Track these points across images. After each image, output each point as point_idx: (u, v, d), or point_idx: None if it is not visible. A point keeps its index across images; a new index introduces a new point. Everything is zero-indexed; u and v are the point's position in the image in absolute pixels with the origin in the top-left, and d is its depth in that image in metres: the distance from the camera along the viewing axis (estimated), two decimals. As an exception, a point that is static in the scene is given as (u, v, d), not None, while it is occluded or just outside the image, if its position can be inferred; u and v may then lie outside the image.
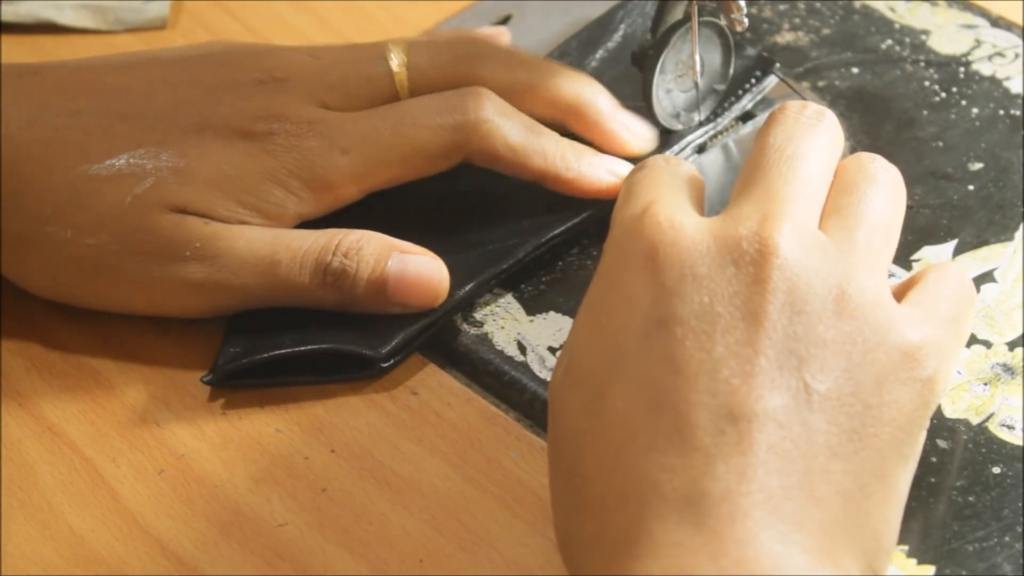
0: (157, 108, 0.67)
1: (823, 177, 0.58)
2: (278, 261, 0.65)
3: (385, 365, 0.65)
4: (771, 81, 0.74)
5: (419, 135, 0.67)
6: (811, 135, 0.59)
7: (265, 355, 0.64)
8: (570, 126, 0.70)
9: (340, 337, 0.65)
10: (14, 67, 0.69)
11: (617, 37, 0.77)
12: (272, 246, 0.65)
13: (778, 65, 0.75)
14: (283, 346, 0.65)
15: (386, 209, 0.69)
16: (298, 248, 0.65)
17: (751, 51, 0.75)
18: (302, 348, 0.65)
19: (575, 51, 0.77)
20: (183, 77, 0.68)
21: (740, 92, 0.74)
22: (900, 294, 0.58)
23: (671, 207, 0.56)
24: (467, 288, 0.67)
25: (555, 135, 0.69)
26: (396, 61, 0.69)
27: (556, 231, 0.68)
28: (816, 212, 0.57)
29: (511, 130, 0.67)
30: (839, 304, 0.54)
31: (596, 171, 0.68)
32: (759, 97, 0.74)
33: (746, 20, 0.68)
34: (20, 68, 0.69)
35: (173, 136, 0.66)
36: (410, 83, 0.69)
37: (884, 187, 0.59)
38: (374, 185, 0.67)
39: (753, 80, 0.74)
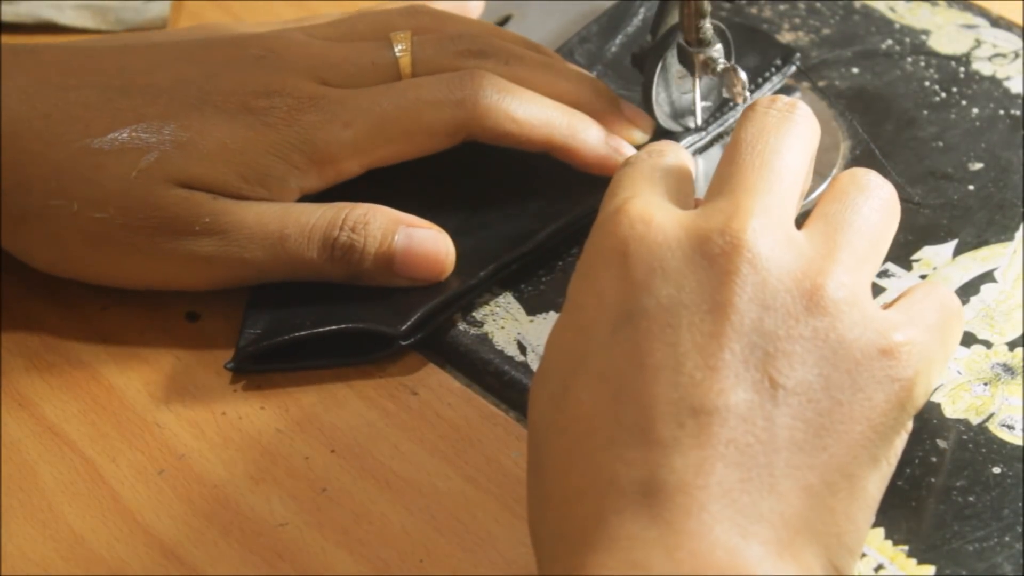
0: (157, 84, 0.67)
1: (797, 170, 0.58)
2: (287, 235, 0.65)
3: (404, 343, 0.65)
4: (790, 70, 0.75)
5: (422, 111, 0.67)
6: (783, 128, 0.58)
7: (286, 337, 0.65)
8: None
9: (360, 316, 0.65)
10: (10, 47, 0.69)
11: (636, 22, 0.77)
12: (281, 220, 0.66)
13: (798, 55, 0.75)
14: (303, 327, 0.65)
15: (403, 192, 0.69)
16: (306, 223, 0.66)
17: (772, 39, 0.76)
18: (322, 329, 0.65)
19: (595, 36, 0.77)
20: (181, 55, 0.69)
21: (760, 80, 0.74)
22: (887, 307, 0.57)
23: (645, 202, 0.56)
24: (487, 270, 0.67)
25: (561, 106, 0.69)
26: (400, 48, 0.69)
27: (574, 215, 0.68)
28: (792, 206, 0.57)
29: (512, 103, 0.68)
30: (811, 299, 0.54)
31: (600, 145, 0.69)
32: (779, 86, 0.74)
33: (748, 94, 0.69)
34: (16, 47, 0.69)
35: (174, 110, 0.66)
36: (413, 72, 0.69)
37: (875, 198, 0.58)
38: (376, 160, 0.68)
39: (773, 68, 0.74)
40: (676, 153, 0.60)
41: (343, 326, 0.65)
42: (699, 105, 0.72)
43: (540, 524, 0.54)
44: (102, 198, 0.65)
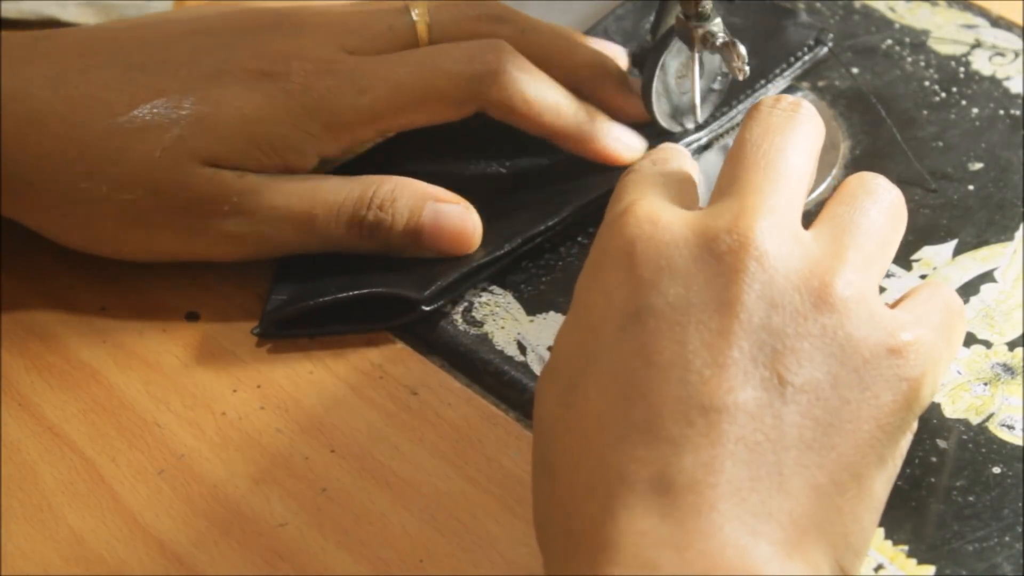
0: (175, 58, 0.67)
1: (803, 169, 0.58)
2: (315, 215, 0.66)
3: (428, 308, 0.66)
4: (823, 51, 0.75)
5: (438, 80, 0.67)
6: (788, 127, 0.58)
7: (311, 302, 0.66)
8: (584, 91, 0.71)
9: (385, 282, 0.66)
10: (27, 34, 0.69)
11: None
12: (309, 200, 0.66)
13: (831, 35, 0.75)
14: (328, 293, 0.66)
15: (432, 169, 0.70)
16: (334, 201, 0.66)
17: (805, 19, 0.76)
18: (347, 294, 0.66)
19: (631, 14, 0.78)
20: (199, 27, 0.69)
21: (792, 59, 0.74)
22: (892, 307, 0.57)
23: (651, 203, 0.56)
24: (514, 243, 0.68)
25: (570, 95, 0.70)
26: (417, 13, 0.69)
27: (600, 192, 0.69)
28: (798, 205, 0.57)
29: (527, 83, 0.68)
30: (819, 297, 0.54)
31: (606, 136, 0.70)
32: (809, 65, 0.75)
33: (747, 68, 0.68)
34: (33, 34, 0.69)
35: (192, 83, 0.66)
36: (430, 37, 0.70)
37: (882, 202, 0.58)
38: (392, 127, 0.68)
39: (806, 48, 0.75)
40: (680, 159, 0.61)
41: (368, 291, 0.66)
42: (699, 102, 0.72)
43: (547, 522, 0.54)
44: (130, 180, 0.65)
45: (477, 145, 0.71)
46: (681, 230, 0.55)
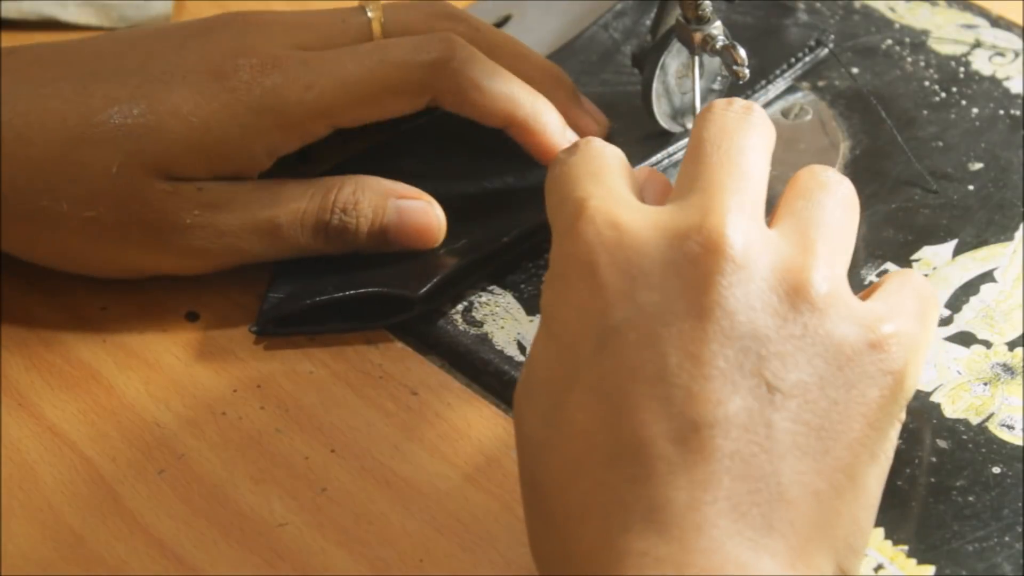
0: (127, 65, 0.67)
1: (763, 169, 0.57)
2: (279, 225, 0.66)
3: (425, 306, 0.66)
4: (823, 52, 0.75)
5: (388, 72, 0.66)
6: (744, 128, 0.57)
7: (308, 302, 0.66)
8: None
9: (381, 281, 0.66)
10: None
11: None
12: (271, 210, 0.66)
13: (832, 36, 0.75)
14: (325, 292, 0.66)
15: (427, 163, 0.70)
16: (296, 209, 0.66)
17: (804, 18, 0.76)
18: (343, 294, 0.66)
19: (631, 10, 0.78)
20: (154, 33, 0.69)
21: (793, 60, 0.74)
22: (864, 298, 0.56)
23: (603, 202, 0.55)
24: (511, 236, 0.68)
25: (526, 86, 0.68)
26: (372, 14, 0.69)
27: None
28: (761, 205, 0.55)
29: (480, 71, 0.67)
30: (798, 295, 0.52)
31: (558, 134, 0.68)
32: (810, 67, 0.75)
33: (747, 71, 0.68)
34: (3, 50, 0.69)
35: (144, 90, 0.66)
36: (384, 34, 0.69)
37: (837, 194, 0.57)
38: (343, 122, 0.67)
39: (806, 49, 0.75)
40: (599, 142, 0.58)
41: (364, 291, 0.66)
42: (699, 103, 0.72)
43: (542, 543, 0.53)
44: (89, 196, 0.65)
45: (475, 140, 0.71)
46: (647, 232, 0.53)
